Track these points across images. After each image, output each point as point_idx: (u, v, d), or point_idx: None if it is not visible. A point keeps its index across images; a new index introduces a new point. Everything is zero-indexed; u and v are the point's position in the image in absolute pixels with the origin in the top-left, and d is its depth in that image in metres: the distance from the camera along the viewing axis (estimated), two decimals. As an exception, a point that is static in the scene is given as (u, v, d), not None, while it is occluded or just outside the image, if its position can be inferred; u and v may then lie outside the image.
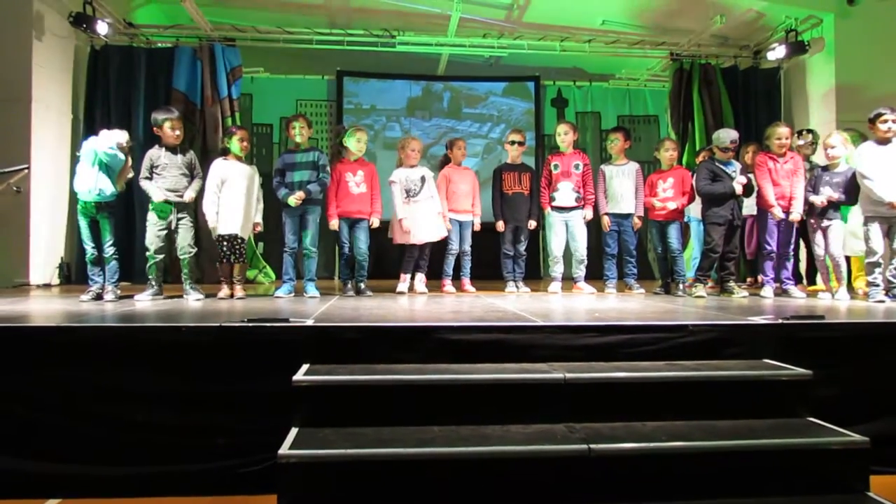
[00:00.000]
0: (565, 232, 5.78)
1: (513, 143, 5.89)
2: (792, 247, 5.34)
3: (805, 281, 6.21)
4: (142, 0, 7.71)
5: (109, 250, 4.62)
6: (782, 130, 5.28)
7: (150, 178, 4.76)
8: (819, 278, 5.48)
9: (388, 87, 8.81)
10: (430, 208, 5.52)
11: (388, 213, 5.61)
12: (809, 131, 6.13)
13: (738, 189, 5.16)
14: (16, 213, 6.00)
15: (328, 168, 5.19)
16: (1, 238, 6.00)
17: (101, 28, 6.60)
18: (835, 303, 4.70)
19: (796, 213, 5.13)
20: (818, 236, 5.08)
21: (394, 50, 7.85)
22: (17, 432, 2.74)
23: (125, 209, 6.48)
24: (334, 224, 5.21)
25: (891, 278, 4.68)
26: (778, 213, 5.13)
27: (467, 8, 7.22)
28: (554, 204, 5.78)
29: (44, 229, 6.39)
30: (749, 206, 5.72)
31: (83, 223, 4.62)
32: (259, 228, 5.11)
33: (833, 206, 5.00)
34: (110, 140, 4.58)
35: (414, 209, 5.47)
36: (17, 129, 6.08)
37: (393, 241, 5.58)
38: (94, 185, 4.52)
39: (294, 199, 4.99)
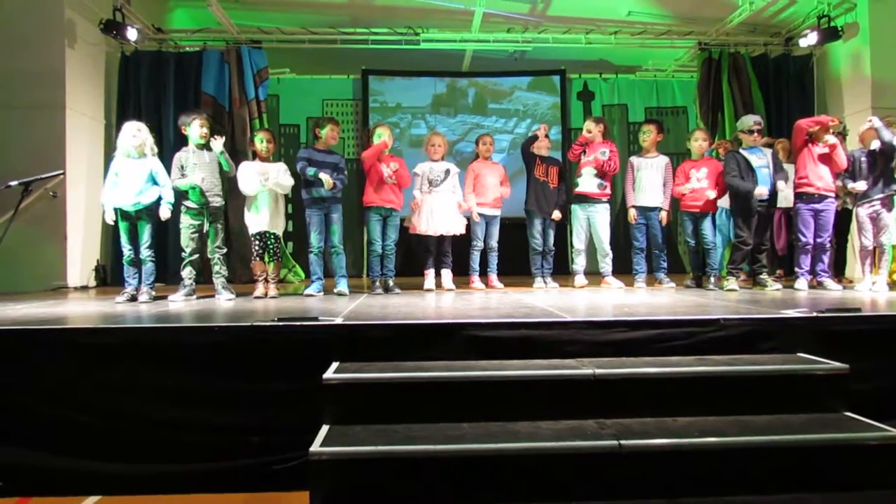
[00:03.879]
0: (587, 226, 5.75)
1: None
2: (830, 237, 5.21)
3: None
4: (170, 5, 7.84)
5: (146, 252, 4.71)
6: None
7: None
8: (861, 268, 5.34)
9: (413, 84, 8.83)
10: (449, 201, 5.53)
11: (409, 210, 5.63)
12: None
13: (780, 186, 5.09)
14: (53, 217, 6.17)
15: (345, 171, 5.28)
16: (39, 242, 6.16)
17: (131, 34, 6.74)
18: (871, 295, 4.58)
19: (861, 185, 5.06)
20: (868, 224, 5.03)
21: (418, 47, 7.87)
22: (56, 431, 2.81)
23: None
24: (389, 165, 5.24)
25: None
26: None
27: (491, 2, 7.19)
28: (577, 190, 5.75)
29: (80, 233, 6.54)
30: (780, 199, 5.56)
31: (122, 227, 4.72)
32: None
33: None
34: (137, 137, 4.72)
35: (433, 199, 5.49)
36: (53, 135, 6.24)
37: (409, 230, 5.60)
38: (136, 196, 4.64)
39: (327, 179, 4.96)
